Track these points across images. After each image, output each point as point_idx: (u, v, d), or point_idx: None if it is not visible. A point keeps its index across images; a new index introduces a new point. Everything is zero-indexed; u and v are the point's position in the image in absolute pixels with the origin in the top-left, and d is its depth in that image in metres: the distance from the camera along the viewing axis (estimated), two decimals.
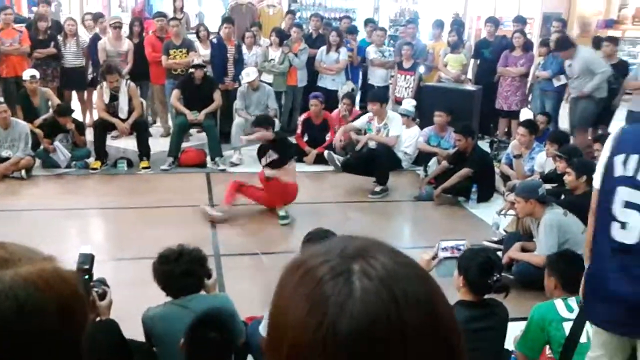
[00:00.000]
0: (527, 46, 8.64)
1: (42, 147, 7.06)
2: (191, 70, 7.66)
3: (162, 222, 5.62)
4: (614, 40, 8.15)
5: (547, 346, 2.98)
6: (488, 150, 7.74)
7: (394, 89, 8.90)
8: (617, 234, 2.37)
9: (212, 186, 6.59)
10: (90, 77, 8.73)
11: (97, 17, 9.35)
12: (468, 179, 6.29)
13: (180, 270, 2.85)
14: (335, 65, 8.78)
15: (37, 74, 7.47)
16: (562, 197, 5.01)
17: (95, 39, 8.61)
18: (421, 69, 8.88)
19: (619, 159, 2.39)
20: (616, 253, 2.39)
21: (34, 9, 10.17)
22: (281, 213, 5.73)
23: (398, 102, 8.51)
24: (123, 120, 7.28)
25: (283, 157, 5.83)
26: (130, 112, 7.33)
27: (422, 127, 7.65)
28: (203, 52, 8.37)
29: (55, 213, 5.80)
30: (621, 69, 7.85)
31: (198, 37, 8.62)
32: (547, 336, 2.95)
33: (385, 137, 6.91)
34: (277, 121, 7.87)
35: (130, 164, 7.25)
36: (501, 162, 7.00)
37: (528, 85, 8.63)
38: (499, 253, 4.37)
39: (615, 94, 7.72)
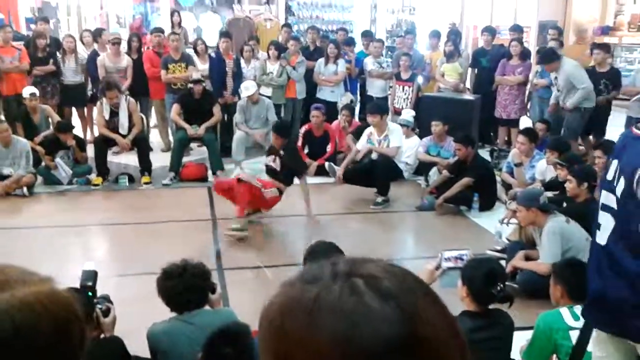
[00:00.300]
0: (525, 54, 8.67)
1: (43, 164, 7.08)
2: (190, 85, 7.69)
3: (165, 237, 5.62)
4: (605, 48, 8.16)
5: (554, 355, 2.97)
6: (488, 158, 7.74)
7: (392, 99, 8.93)
8: (596, 235, 2.45)
9: (214, 200, 6.59)
10: (89, 93, 8.76)
11: (97, 32, 9.39)
12: (469, 188, 6.30)
13: (184, 286, 2.85)
14: (333, 77, 8.82)
15: (36, 91, 7.50)
16: (564, 204, 5.01)
17: (94, 55, 8.64)
18: (419, 80, 8.91)
19: (610, 163, 2.46)
20: (594, 253, 2.49)
21: (33, 26, 10.22)
22: (233, 225, 5.56)
23: (397, 112, 8.54)
24: (123, 136, 7.30)
25: (283, 172, 5.81)
26: (130, 127, 7.35)
27: (421, 137, 7.66)
28: (201, 67, 8.41)
29: (58, 230, 5.80)
30: (612, 76, 7.87)
31: (196, 51, 8.67)
32: (553, 345, 2.93)
33: (386, 148, 6.92)
34: None
35: (131, 179, 7.26)
36: (502, 170, 7.01)
37: (526, 93, 8.66)
38: (503, 262, 4.36)
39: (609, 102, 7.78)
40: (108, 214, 6.31)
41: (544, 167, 6.25)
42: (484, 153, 8.00)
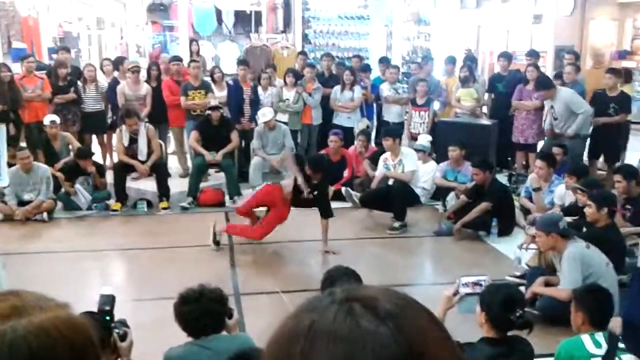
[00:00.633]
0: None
1: (63, 190, 7.17)
2: (208, 112, 7.79)
3: (182, 262, 5.64)
4: (617, 73, 8.12)
5: None
6: (506, 183, 7.70)
7: (408, 125, 8.94)
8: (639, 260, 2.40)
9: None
10: (109, 120, 8.89)
11: (118, 61, 9.57)
12: (488, 213, 6.26)
13: (201, 311, 2.84)
14: (350, 103, 8.87)
15: (57, 119, 7.63)
16: (584, 229, 4.95)
17: (114, 83, 8.79)
18: (436, 105, 8.93)
19: None
20: (636, 278, 2.44)
21: (54, 56, 10.43)
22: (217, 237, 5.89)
23: (414, 138, 8.54)
24: (142, 162, 7.38)
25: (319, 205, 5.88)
26: (149, 154, 7.43)
27: (438, 162, 7.65)
28: (219, 94, 8.51)
29: (77, 254, 5.85)
30: (621, 101, 7.79)
31: (213, 79, 8.78)
32: None
33: (401, 173, 6.92)
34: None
35: (150, 204, 7.32)
36: (520, 195, 6.95)
37: (544, 118, 8.62)
38: (522, 288, 4.31)
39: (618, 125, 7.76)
40: (126, 239, 6.35)
41: (562, 192, 6.20)
42: (502, 178, 7.96)
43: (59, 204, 7.12)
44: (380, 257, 5.96)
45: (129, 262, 5.97)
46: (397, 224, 6.57)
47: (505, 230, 6.32)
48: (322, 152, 8.03)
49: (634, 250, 4.99)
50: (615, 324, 3.43)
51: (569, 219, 5.01)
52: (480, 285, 3.18)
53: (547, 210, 6.14)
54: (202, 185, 7.73)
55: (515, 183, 7.97)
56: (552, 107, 7.60)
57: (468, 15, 15.33)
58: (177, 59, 9.12)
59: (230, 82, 8.88)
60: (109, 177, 7.59)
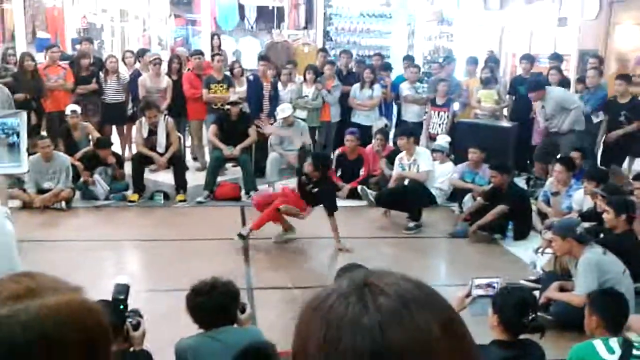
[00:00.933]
0: (563, 83, 8.57)
1: (82, 179, 7.24)
2: (227, 106, 7.82)
3: (197, 255, 5.68)
4: (627, 78, 7.96)
5: None
6: (524, 187, 7.63)
7: (427, 125, 8.90)
8: None
9: (247, 220, 6.63)
10: (129, 112, 8.97)
11: (140, 53, 9.66)
12: (504, 216, 6.21)
13: (213, 304, 2.86)
14: (368, 102, 8.85)
15: (78, 109, 7.72)
16: (601, 235, 4.89)
17: (136, 75, 8.86)
18: (455, 106, 8.87)
19: None
20: None
21: (78, 46, 10.54)
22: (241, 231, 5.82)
23: (432, 138, 8.50)
24: (161, 155, 7.43)
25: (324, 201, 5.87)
26: (167, 146, 7.49)
27: (456, 163, 7.61)
28: (238, 89, 8.54)
29: (93, 244, 5.91)
30: (633, 108, 7.62)
31: (232, 74, 8.82)
32: None
33: (416, 172, 6.90)
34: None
35: (166, 196, 7.37)
36: (538, 199, 6.89)
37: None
38: (536, 292, 4.28)
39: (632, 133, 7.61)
40: (142, 230, 6.41)
41: (581, 197, 6.12)
42: (520, 181, 7.90)
43: (77, 193, 7.21)
44: (394, 256, 5.95)
45: (145, 253, 6.02)
46: (412, 224, 6.55)
47: (522, 233, 6.27)
48: (339, 150, 8.04)
49: None
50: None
51: (586, 224, 4.96)
52: (493, 287, 3.17)
53: (564, 215, 6.07)
54: (219, 179, 7.77)
55: (533, 187, 7.89)
56: (542, 107, 7.64)
57: (491, 16, 15.21)
58: (199, 52, 9.17)
59: (251, 77, 8.91)
60: (127, 168, 7.66)
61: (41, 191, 6.93)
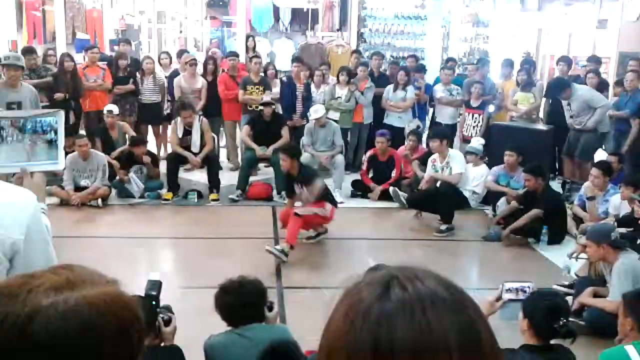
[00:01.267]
0: (602, 86, 8.40)
1: (117, 177, 7.39)
2: (260, 107, 7.89)
3: (228, 253, 5.74)
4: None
5: None
6: (560, 190, 7.51)
7: (461, 127, 8.83)
8: None
9: (277, 219, 6.68)
10: (165, 112, 9.11)
11: (180, 54, 9.83)
12: (538, 220, 6.12)
13: (240, 302, 2.89)
14: (401, 103, 8.82)
15: (115, 109, 7.87)
16: (638, 242, 4.78)
17: (174, 75, 9.01)
18: (490, 108, 8.77)
19: None
20: None
21: (116, 47, 10.76)
22: (279, 246, 5.58)
23: (466, 140, 8.43)
24: (195, 154, 7.54)
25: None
26: (202, 146, 7.59)
27: (490, 166, 7.52)
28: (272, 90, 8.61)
29: (128, 240, 6.03)
30: None
31: (265, 75, 8.88)
32: None
33: (448, 175, 6.85)
34: (341, 157, 7.96)
35: (200, 195, 7.47)
36: (574, 203, 6.77)
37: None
38: (569, 298, 4.21)
39: None
40: (176, 228, 6.51)
41: (618, 202, 5.99)
42: (556, 185, 7.77)
43: (114, 191, 7.36)
44: (425, 258, 5.90)
45: (178, 251, 6.11)
46: (444, 227, 6.50)
47: (556, 238, 6.18)
48: (370, 151, 8.03)
49: None
50: None
51: (623, 230, 4.86)
52: (525, 291, 3.12)
53: (600, 220, 5.96)
54: (252, 179, 7.84)
55: (569, 191, 7.76)
56: (569, 104, 7.74)
57: (529, 18, 15.00)
58: (233, 54, 9.26)
59: (284, 78, 8.97)
60: (162, 167, 7.78)
61: (78, 188, 7.09)
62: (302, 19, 14.44)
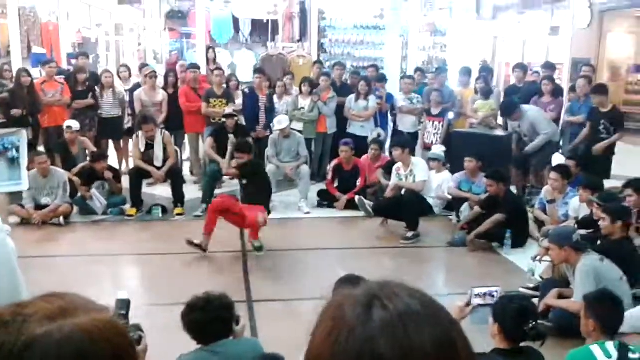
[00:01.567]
0: (557, 92, 8.63)
1: (79, 194, 7.24)
2: (223, 119, 7.86)
3: (196, 268, 5.69)
4: (600, 91, 7.64)
5: None
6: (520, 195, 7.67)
7: (423, 135, 8.95)
8: None
9: (244, 232, 6.64)
10: (127, 126, 8.99)
11: (141, 67, 9.75)
12: (501, 225, 6.24)
13: (209, 318, 2.85)
14: (364, 113, 8.90)
15: (74, 124, 7.72)
16: (598, 242, 4.92)
17: (135, 88, 8.90)
18: (450, 115, 8.92)
19: None
20: None
21: (74, 61, 10.58)
22: (256, 244, 6.02)
23: (427, 148, 8.55)
24: (158, 168, 7.45)
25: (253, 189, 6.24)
26: (165, 160, 7.50)
27: (452, 172, 7.64)
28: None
29: (92, 258, 5.91)
30: (613, 117, 7.51)
31: (228, 87, 8.85)
32: None
33: (412, 183, 6.94)
34: (307, 167, 7.98)
35: (164, 210, 7.38)
36: (535, 207, 6.93)
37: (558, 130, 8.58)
38: (535, 300, 4.30)
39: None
40: (141, 244, 6.41)
41: (577, 205, 6.16)
42: (516, 190, 7.93)
43: (75, 209, 7.21)
44: (392, 266, 5.96)
45: (144, 267, 6.02)
46: (410, 234, 6.57)
47: (519, 242, 6.30)
48: (335, 161, 8.07)
49: None
50: None
51: (583, 231, 4.99)
52: (493, 296, 3.19)
53: (561, 223, 6.12)
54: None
55: (529, 195, 7.94)
56: (518, 126, 7.92)
57: (484, 26, 15.33)
58: (194, 66, 9.21)
59: (247, 90, 8.95)
60: (125, 182, 7.67)
61: (39, 207, 6.93)
62: (262, 30, 14.47)
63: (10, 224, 5.11)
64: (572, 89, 8.70)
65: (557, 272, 4.80)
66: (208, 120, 8.46)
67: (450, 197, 7.33)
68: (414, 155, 7.66)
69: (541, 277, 5.13)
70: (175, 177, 7.55)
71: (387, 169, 7.61)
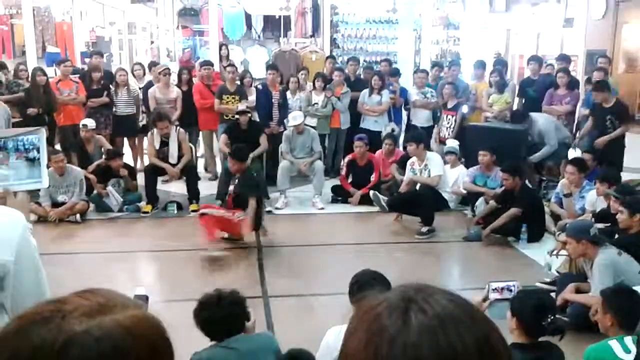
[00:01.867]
0: (572, 84, 8.55)
1: (95, 192, 7.30)
2: (236, 116, 7.87)
3: (211, 264, 5.72)
4: (599, 88, 7.47)
5: None
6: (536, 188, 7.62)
7: (438, 129, 8.89)
8: None
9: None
10: (141, 124, 9.04)
11: (151, 65, 9.76)
12: (517, 219, 6.20)
13: (221, 314, 2.87)
14: (377, 108, 8.87)
15: (90, 122, 7.78)
16: (616, 236, 4.88)
17: (148, 87, 8.94)
18: (464, 109, 8.87)
19: None
20: None
21: (87, 60, 10.65)
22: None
23: (441, 142, 8.50)
24: (173, 165, 7.49)
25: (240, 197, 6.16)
26: (179, 157, 7.54)
27: (467, 167, 7.60)
28: (248, 99, 8.59)
29: (108, 255, 5.95)
30: (617, 111, 7.41)
31: (242, 83, 8.87)
32: None
33: (427, 177, 6.90)
34: (320, 163, 7.97)
35: (179, 207, 7.41)
36: (551, 201, 6.87)
37: (575, 123, 8.51)
38: (552, 294, 4.27)
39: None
40: (156, 241, 6.44)
41: (594, 198, 6.11)
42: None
43: (92, 206, 7.26)
44: (408, 261, 5.95)
45: (159, 264, 6.05)
46: (425, 229, 6.55)
47: (535, 236, 6.26)
48: (349, 156, 8.06)
49: None
50: None
51: (600, 225, 4.94)
52: (510, 290, 3.17)
53: (578, 217, 6.06)
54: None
55: (545, 189, 7.87)
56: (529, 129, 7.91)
57: (497, 19, 15.23)
58: (208, 63, 9.23)
59: (259, 86, 8.96)
60: (140, 179, 7.71)
61: (55, 204, 6.99)
62: (274, 26, 14.47)
63: (29, 222, 5.14)
64: (588, 81, 8.62)
65: (574, 266, 4.76)
66: (221, 117, 8.48)
67: (465, 191, 7.30)
68: (429, 149, 7.63)
69: (558, 272, 5.10)
70: (190, 174, 7.59)
71: (402, 163, 7.59)
